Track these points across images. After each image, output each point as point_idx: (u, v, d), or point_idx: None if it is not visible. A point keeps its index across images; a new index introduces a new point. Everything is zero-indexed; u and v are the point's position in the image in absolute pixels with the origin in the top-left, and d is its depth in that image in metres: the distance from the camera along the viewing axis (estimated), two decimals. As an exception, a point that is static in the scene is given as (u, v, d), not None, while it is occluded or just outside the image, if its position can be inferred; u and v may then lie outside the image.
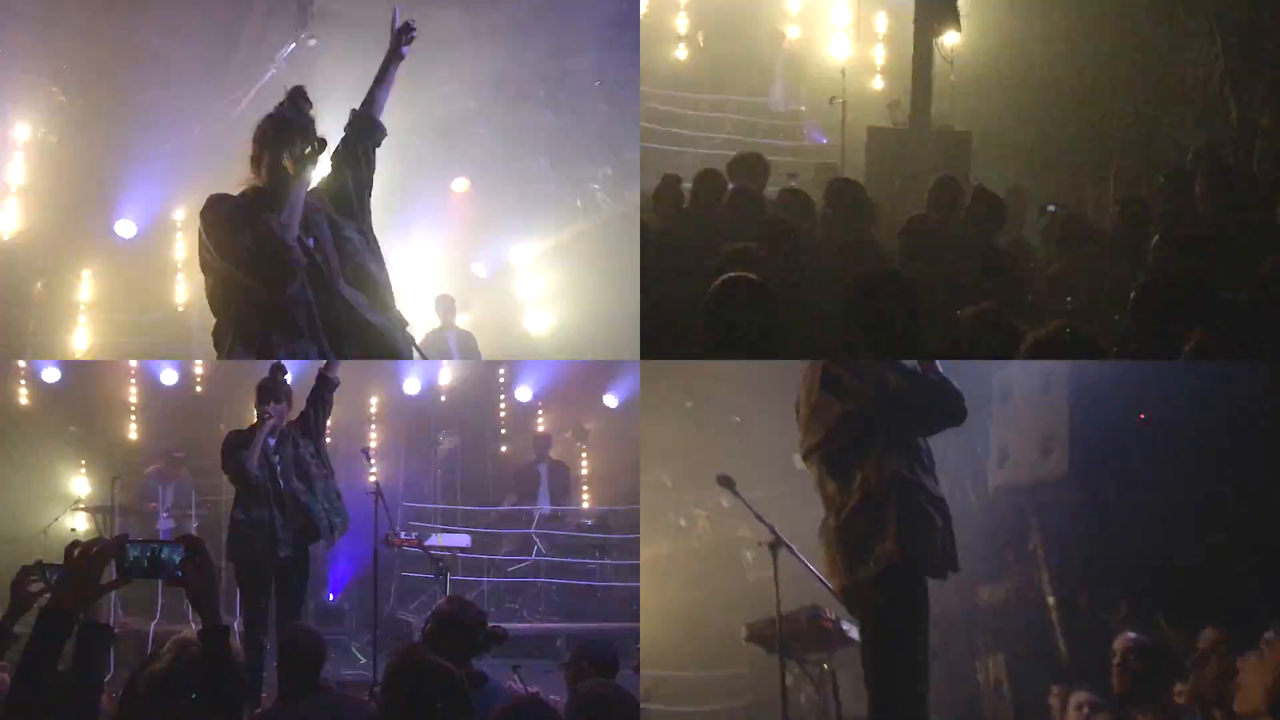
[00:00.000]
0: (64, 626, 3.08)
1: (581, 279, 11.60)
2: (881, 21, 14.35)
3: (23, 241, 10.40)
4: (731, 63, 14.47)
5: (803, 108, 14.09)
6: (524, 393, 12.91)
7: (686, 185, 8.30)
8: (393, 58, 5.31)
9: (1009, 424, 8.34)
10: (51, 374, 11.23)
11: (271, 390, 7.21)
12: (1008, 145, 11.56)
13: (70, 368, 11.20)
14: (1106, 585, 7.02)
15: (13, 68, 9.94)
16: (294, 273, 4.90)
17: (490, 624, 5.56)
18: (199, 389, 11.70)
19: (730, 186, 7.82)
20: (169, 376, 11.62)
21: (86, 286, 10.78)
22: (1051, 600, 7.30)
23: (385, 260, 5.33)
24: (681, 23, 14.61)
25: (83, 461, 11.30)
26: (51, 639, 3.06)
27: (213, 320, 5.13)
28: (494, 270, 12.77)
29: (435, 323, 11.17)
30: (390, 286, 5.28)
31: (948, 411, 4.74)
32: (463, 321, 11.64)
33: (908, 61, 11.31)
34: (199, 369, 11.65)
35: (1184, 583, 6.40)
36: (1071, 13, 12.14)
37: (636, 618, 9.80)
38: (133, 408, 11.69)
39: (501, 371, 12.82)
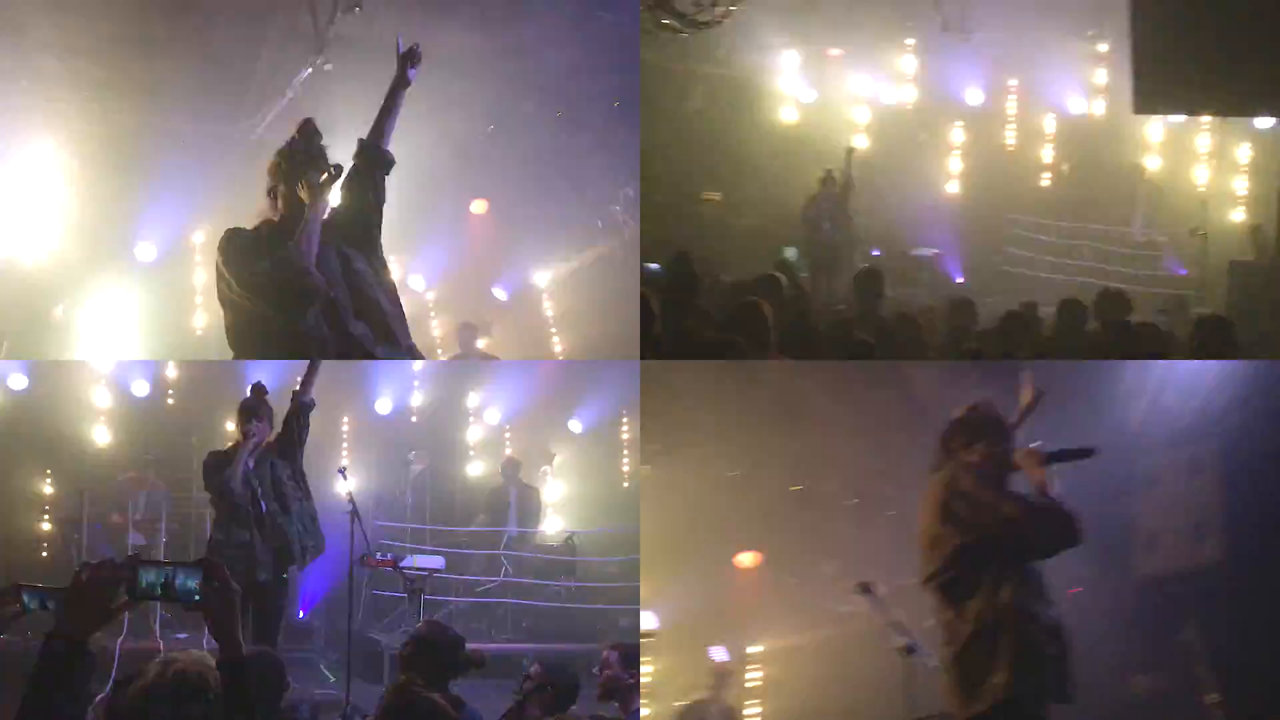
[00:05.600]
0: (70, 654, 2.85)
1: (603, 301, 11.39)
2: (1244, 152, 13.98)
3: (43, 265, 10.30)
4: (1094, 192, 14.48)
5: (1162, 238, 13.90)
6: (492, 415, 12.83)
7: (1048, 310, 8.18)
8: (399, 84, 5.15)
9: (1157, 511, 8.04)
10: (19, 380, 10.93)
11: (253, 409, 7.10)
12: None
13: (38, 377, 11.01)
14: (1271, 678, 6.66)
15: (36, 94, 9.84)
16: (314, 296, 4.79)
17: (468, 647, 5.51)
18: (170, 400, 11.52)
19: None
20: (139, 387, 11.36)
21: (105, 312, 10.64)
22: (1214, 697, 6.77)
23: (398, 289, 5.21)
24: (1047, 153, 14.79)
25: (49, 471, 10.99)
26: (57, 669, 2.83)
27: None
28: (515, 293, 12.63)
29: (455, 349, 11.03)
30: (402, 318, 5.14)
31: (1063, 537, 4.68)
32: (484, 347, 11.53)
33: (1272, 192, 10.83)
34: (171, 378, 11.48)
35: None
36: None
37: (598, 639, 9.77)
38: (102, 418, 11.33)
39: (471, 394, 12.75)
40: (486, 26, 9.91)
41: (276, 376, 8.09)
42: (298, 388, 7.25)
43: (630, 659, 5.79)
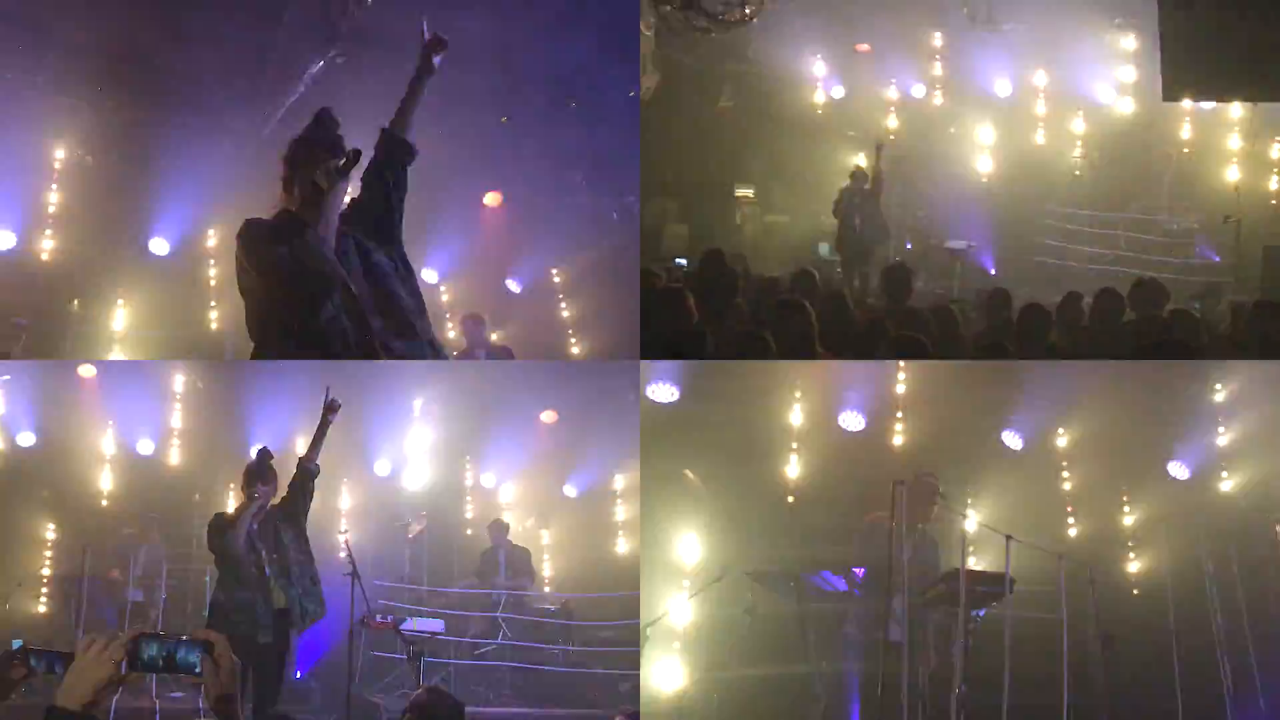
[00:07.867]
0: None
1: (619, 293, 11.12)
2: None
3: (59, 260, 10.34)
4: (1125, 181, 14.42)
5: (1195, 225, 13.80)
6: (489, 479, 12.78)
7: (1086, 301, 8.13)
8: (424, 72, 4.92)
9: None
10: (27, 438, 10.93)
11: (258, 473, 7.09)
12: None
13: (46, 433, 11.00)
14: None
15: (50, 90, 9.88)
16: (333, 282, 4.63)
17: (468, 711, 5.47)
18: (174, 459, 11.51)
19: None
20: (145, 446, 11.30)
21: (120, 306, 10.72)
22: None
23: (417, 281, 5.02)
24: (1077, 143, 14.71)
25: (52, 526, 10.91)
26: None
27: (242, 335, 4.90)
28: (529, 286, 12.44)
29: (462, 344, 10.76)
30: (421, 310, 4.93)
31: None
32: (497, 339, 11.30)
33: None
34: (175, 440, 11.46)
35: None
36: None
37: (594, 705, 9.70)
38: (107, 475, 11.22)
39: (468, 458, 12.72)
40: (498, 17, 9.76)
41: (280, 441, 8.10)
42: (303, 454, 7.29)
43: None
